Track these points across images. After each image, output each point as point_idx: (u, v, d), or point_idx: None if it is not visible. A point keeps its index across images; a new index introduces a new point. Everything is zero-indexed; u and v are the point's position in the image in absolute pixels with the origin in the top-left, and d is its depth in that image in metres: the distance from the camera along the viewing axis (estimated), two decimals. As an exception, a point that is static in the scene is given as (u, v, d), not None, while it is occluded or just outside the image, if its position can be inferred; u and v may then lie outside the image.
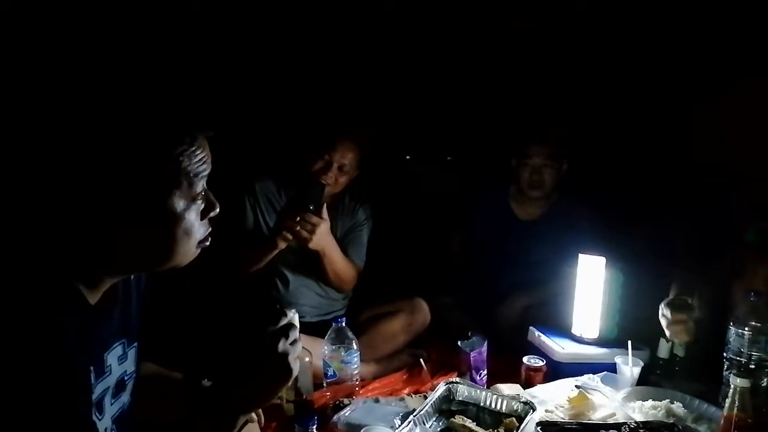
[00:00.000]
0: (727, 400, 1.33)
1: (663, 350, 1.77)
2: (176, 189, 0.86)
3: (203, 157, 0.89)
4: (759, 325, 1.52)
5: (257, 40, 2.82)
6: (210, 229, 0.95)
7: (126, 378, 0.99)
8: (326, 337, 1.75)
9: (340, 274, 2.06)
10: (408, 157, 3.22)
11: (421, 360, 1.96)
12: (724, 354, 1.56)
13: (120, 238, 0.84)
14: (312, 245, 1.88)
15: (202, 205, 0.92)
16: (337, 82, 2.84)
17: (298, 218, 1.83)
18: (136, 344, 1.02)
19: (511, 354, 1.90)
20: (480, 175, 2.81)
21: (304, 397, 1.67)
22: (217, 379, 0.90)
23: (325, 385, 1.75)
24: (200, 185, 0.90)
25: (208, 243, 0.95)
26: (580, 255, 1.91)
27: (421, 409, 1.47)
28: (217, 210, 0.95)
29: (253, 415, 1.37)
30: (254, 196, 2.08)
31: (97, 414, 0.88)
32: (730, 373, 1.51)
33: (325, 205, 1.88)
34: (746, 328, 1.52)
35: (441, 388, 1.58)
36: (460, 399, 1.59)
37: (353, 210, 2.18)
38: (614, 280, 1.87)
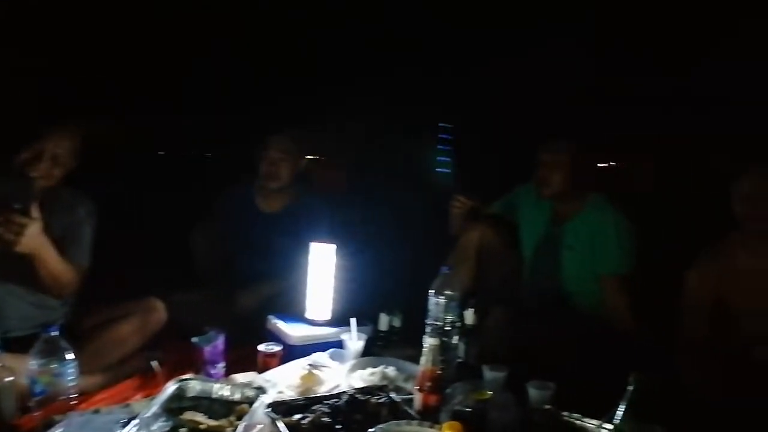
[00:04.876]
0: (423, 358, 1.58)
1: (383, 323, 2.01)
2: None
3: None
4: (450, 293, 1.84)
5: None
6: None
7: None
8: (32, 350, 1.54)
9: (58, 277, 1.84)
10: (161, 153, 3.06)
11: (153, 362, 1.87)
12: (426, 320, 1.85)
13: None
14: (20, 248, 1.66)
15: None
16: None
17: (3, 218, 1.60)
18: None
19: (252, 343, 1.94)
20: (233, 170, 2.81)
21: (7, 421, 1.46)
22: None
23: (32, 405, 1.54)
24: None
25: None
26: (311, 243, 2.05)
27: (146, 412, 1.40)
28: None
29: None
30: None
31: None
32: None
33: (36, 202, 1.67)
34: (441, 297, 1.83)
35: (170, 387, 1.53)
36: (191, 395, 1.57)
37: (72, 206, 1.96)
38: (343, 265, 2.06)
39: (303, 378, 1.67)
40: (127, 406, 1.59)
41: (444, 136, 4.62)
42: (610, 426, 1.34)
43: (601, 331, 1.98)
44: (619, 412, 1.29)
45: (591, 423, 1.46)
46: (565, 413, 1.51)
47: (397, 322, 2.01)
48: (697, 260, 1.90)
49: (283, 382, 1.68)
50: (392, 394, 1.56)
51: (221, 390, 1.58)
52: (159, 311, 2.02)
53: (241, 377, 1.70)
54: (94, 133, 2.12)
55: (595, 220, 2.16)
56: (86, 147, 1.95)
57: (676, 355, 1.85)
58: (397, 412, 1.48)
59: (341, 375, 1.73)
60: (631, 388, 1.28)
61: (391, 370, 1.77)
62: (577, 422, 1.49)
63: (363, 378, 1.73)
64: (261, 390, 1.55)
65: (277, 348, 1.83)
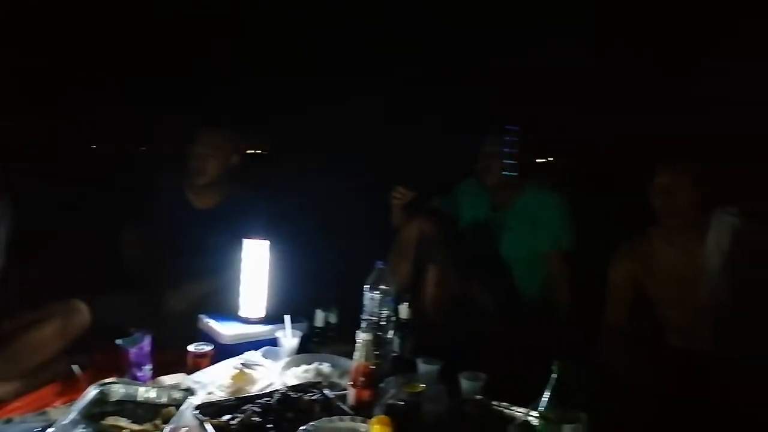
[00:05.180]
0: (356, 353, 1.57)
1: (319, 319, 1.99)
2: None
3: None
4: (385, 287, 1.84)
5: None
6: None
7: None
8: (-65, 358, 1.43)
9: None
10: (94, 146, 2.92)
11: (74, 366, 1.78)
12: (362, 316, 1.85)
13: None
14: None
15: None
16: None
17: None
18: None
19: (183, 344, 1.88)
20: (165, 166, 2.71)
21: None
22: None
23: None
24: None
25: None
26: (244, 239, 2.00)
27: (64, 419, 1.33)
28: None
29: None
30: None
31: None
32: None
33: None
34: (376, 292, 1.83)
35: (91, 392, 1.47)
36: (115, 399, 1.51)
37: None
38: (277, 262, 2.03)
39: (234, 378, 1.63)
40: (44, 413, 1.50)
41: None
42: (536, 413, 1.37)
43: (532, 319, 2.05)
44: (545, 400, 1.33)
45: (519, 411, 1.50)
46: (495, 402, 1.55)
47: (333, 318, 1.99)
48: (618, 251, 1.99)
49: (213, 382, 1.63)
50: (326, 391, 1.54)
51: (147, 393, 1.52)
52: (82, 313, 1.92)
53: (168, 379, 1.64)
54: (13, 129, 2.00)
55: (536, 201, 2.30)
56: (4, 143, 1.84)
57: (601, 343, 1.93)
58: (330, 408, 1.46)
59: (275, 373, 1.70)
60: (554, 376, 1.32)
61: (325, 367, 1.75)
62: (506, 411, 1.52)
63: (297, 375, 1.70)
64: (189, 392, 1.51)
65: (207, 348, 1.77)
